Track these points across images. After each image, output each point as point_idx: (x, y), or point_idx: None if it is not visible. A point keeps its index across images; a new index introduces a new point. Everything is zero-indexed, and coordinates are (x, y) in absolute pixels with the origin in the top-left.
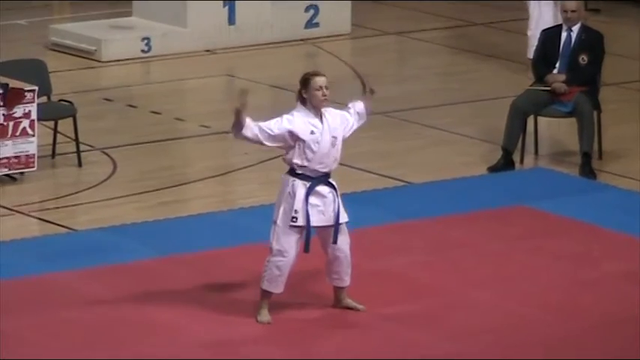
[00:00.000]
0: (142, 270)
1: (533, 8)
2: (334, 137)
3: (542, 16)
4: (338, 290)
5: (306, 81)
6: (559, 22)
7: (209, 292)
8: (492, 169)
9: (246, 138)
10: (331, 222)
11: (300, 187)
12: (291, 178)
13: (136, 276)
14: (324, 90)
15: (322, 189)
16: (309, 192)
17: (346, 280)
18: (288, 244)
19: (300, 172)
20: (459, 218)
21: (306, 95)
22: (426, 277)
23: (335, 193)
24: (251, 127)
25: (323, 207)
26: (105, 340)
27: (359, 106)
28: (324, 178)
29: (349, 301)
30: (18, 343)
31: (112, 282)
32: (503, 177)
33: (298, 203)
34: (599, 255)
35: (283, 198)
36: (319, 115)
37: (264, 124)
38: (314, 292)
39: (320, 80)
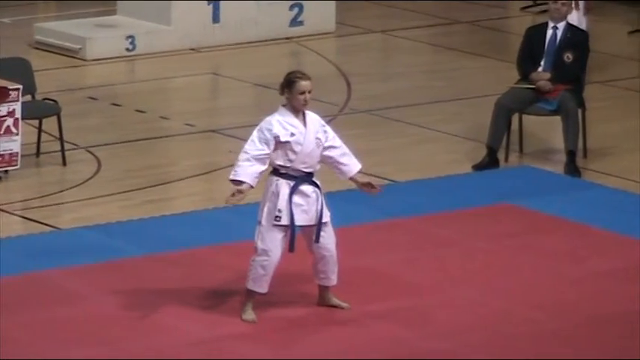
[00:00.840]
0: (127, 268)
1: None
2: (318, 138)
3: None
4: (323, 289)
5: (290, 83)
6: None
7: (194, 290)
8: (477, 168)
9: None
10: (314, 221)
11: (284, 186)
12: (275, 178)
13: (120, 274)
14: (307, 95)
15: (306, 188)
16: (292, 191)
17: (333, 279)
18: (272, 243)
19: (283, 171)
20: (445, 216)
21: (289, 97)
22: (412, 275)
23: (318, 192)
24: (253, 175)
25: (307, 206)
26: (90, 338)
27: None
28: (307, 178)
29: (334, 300)
30: (3, 341)
31: (97, 280)
32: (488, 175)
33: (282, 202)
34: (585, 252)
35: (267, 197)
36: (300, 116)
37: (254, 152)
38: (299, 291)
39: (304, 85)
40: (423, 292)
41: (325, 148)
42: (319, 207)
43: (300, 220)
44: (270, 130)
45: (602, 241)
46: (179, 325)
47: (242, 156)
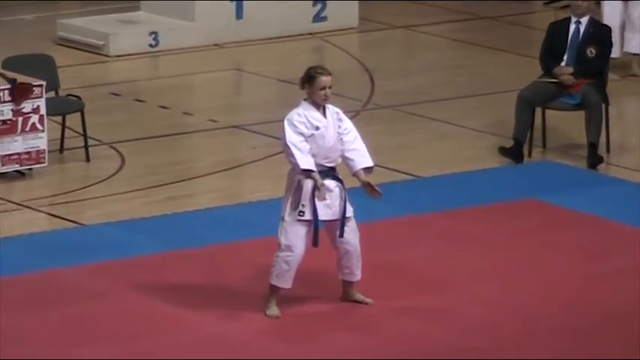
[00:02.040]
0: (150, 264)
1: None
2: (338, 132)
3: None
4: (347, 284)
5: (311, 78)
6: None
7: (217, 286)
8: (503, 152)
9: None
10: (337, 216)
11: (307, 181)
12: (298, 174)
13: (144, 270)
14: (327, 90)
15: (329, 183)
16: (315, 186)
17: (357, 275)
18: (296, 239)
19: None
20: (468, 212)
21: (309, 92)
22: (435, 271)
23: (341, 187)
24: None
25: (330, 201)
26: (113, 335)
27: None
28: (330, 172)
29: (358, 295)
30: (27, 337)
31: (119, 276)
32: (511, 170)
33: (305, 198)
34: (608, 248)
35: (290, 193)
36: (322, 110)
37: (298, 142)
38: (323, 286)
39: (325, 80)
40: (445, 288)
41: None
42: (342, 202)
43: (323, 214)
44: (299, 122)
45: (625, 237)
46: (201, 321)
47: (294, 149)
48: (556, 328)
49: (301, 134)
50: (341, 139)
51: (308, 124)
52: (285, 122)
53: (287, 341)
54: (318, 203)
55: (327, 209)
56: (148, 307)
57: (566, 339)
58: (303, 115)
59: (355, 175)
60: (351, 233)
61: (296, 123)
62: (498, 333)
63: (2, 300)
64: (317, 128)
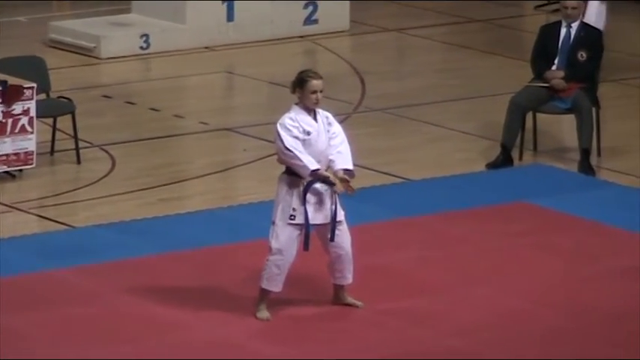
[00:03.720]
0: (142, 266)
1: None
2: (329, 137)
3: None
4: (339, 288)
5: (302, 82)
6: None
7: (209, 288)
8: (491, 166)
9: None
10: (328, 220)
11: (298, 185)
12: (289, 177)
13: (135, 273)
14: (319, 94)
15: (319, 186)
16: (306, 190)
17: (349, 278)
18: (287, 242)
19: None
20: (459, 215)
21: (300, 95)
22: (425, 274)
23: (332, 191)
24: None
25: (320, 205)
26: (104, 337)
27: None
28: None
29: (349, 299)
30: (18, 340)
31: (111, 279)
32: (502, 173)
33: (296, 201)
34: (599, 251)
35: (281, 197)
36: (312, 115)
37: (297, 145)
38: (313, 289)
39: (316, 84)
40: (436, 291)
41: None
42: (333, 205)
43: (314, 218)
44: (292, 126)
45: (616, 240)
46: (193, 323)
47: (296, 152)
48: (547, 331)
49: (296, 138)
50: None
51: (300, 129)
52: (279, 127)
53: (278, 343)
54: (309, 207)
55: (318, 213)
56: (139, 309)
57: (558, 341)
58: (295, 120)
59: (334, 172)
60: (343, 237)
61: (290, 127)
62: (490, 335)
63: None
64: (308, 133)
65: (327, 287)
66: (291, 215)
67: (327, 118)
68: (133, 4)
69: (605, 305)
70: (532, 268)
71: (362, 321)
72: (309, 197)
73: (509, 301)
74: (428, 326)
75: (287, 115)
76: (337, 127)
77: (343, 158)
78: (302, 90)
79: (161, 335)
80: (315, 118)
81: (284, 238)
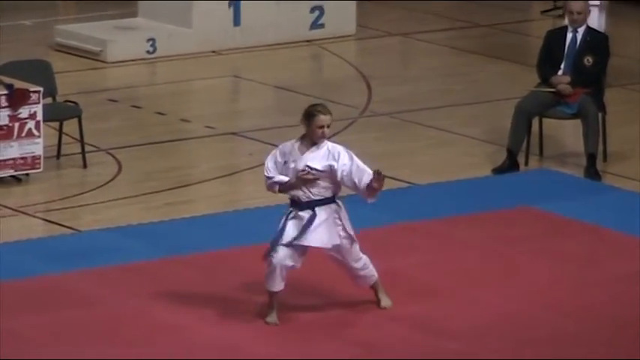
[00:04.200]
0: (147, 271)
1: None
2: (307, 166)
3: None
4: (371, 288)
5: (310, 115)
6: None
7: (214, 292)
8: (497, 171)
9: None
10: (330, 244)
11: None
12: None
13: (141, 277)
14: (325, 129)
15: (303, 214)
16: (287, 216)
17: (371, 278)
18: (282, 249)
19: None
20: (464, 219)
21: (307, 128)
22: (430, 278)
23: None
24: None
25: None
26: (110, 341)
27: (363, 179)
28: (308, 204)
29: (379, 294)
30: (23, 343)
31: (117, 282)
32: (507, 178)
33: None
34: (604, 256)
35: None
36: (314, 148)
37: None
38: (319, 294)
39: (323, 119)
40: (441, 295)
41: (342, 174)
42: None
43: (314, 241)
44: (274, 155)
45: (621, 245)
46: (197, 327)
47: (268, 173)
48: (551, 335)
49: (276, 163)
50: (342, 177)
51: (281, 156)
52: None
53: (284, 347)
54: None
55: (321, 237)
56: (144, 312)
57: (561, 345)
58: (282, 151)
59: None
60: (352, 256)
61: (275, 154)
62: (494, 339)
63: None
64: (284, 163)
65: (332, 292)
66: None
67: (338, 154)
68: (139, 7)
69: (609, 310)
70: (536, 273)
71: (367, 325)
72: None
73: (513, 305)
74: (432, 330)
75: (285, 143)
76: (343, 160)
77: (360, 175)
78: (309, 123)
79: (165, 339)
80: (312, 152)
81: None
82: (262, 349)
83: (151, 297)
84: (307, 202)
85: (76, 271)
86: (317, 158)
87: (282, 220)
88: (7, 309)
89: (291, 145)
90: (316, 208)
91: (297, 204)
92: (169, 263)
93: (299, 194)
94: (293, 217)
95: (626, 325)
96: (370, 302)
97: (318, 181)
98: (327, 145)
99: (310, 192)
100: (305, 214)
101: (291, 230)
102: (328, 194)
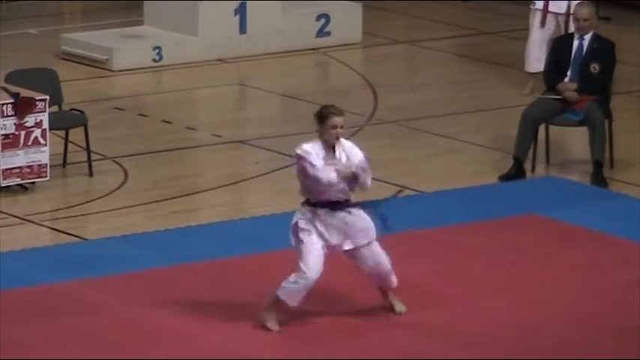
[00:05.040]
0: (154, 279)
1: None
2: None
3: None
4: (384, 292)
5: (323, 117)
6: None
7: (220, 301)
8: (504, 178)
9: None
10: (348, 246)
11: (315, 213)
12: (305, 208)
13: (147, 285)
14: (339, 130)
15: (326, 214)
16: (314, 216)
17: (390, 282)
18: (314, 262)
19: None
20: (471, 227)
21: (320, 131)
22: (437, 286)
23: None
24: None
25: (327, 231)
26: (116, 349)
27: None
28: (333, 206)
29: (390, 300)
30: (30, 351)
31: (123, 291)
32: (514, 186)
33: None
34: (611, 264)
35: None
36: (331, 149)
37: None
38: (325, 300)
39: (337, 120)
40: (447, 303)
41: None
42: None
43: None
44: (311, 149)
45: (628, 252)
46: (203, 335)
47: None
48: (558, 343)
49: (315, 161)
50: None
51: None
52: (300, 152)
53: (289, 355)
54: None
55: (337, 235)
56: (151, 321)
57: (568, 354)
58: (311, 149)
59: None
60: (375, 258)
61: (309, 150)
62: (501, 347)
63: (6, 313)
64: (312, 165)
65: (338, 298)
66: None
67: (347, 149)
68: (145, 16)
69: (616, 318)
70: (543, 281)
71: (373, 332)
72: (317, 223)
73: (519, 313)
74: (438, 338)
75: (304, 144)
76: (357, 155)
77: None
78: (323, 125)
79: (171, 347)
80: (333, 154)
81: (311, 259)
82: (268, 357)
83: (157, 305)
84: (336, 203)
85: (82, 279)
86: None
87: (306, 227)
88: (14, 317)
89: (307, 147)
90: (349, 209)
91: (323, 206)
92: (175, 271)
93: (330, 195)
94: (321, 221)
95: (632, 333)
96: (376, 308)
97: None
98: (340, 145)
99: (341, 192)
100: (338, 216)
101: (325, 234)
102: (348, 195)
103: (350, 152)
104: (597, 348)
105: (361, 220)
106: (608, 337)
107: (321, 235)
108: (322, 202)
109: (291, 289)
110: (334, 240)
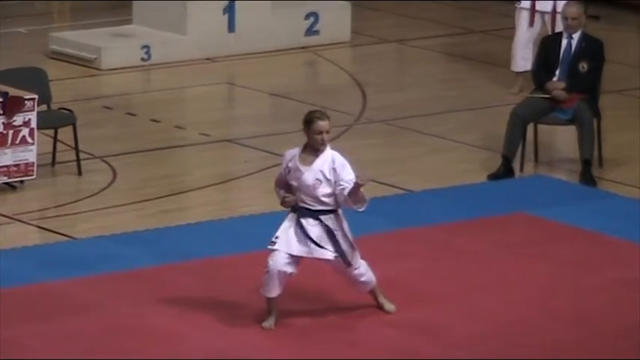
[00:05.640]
0: (143, 278)
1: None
2: (318, 180)
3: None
4: (370, 292)
5: (308, 122)
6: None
7: (210, 300)
8: (492, 177)
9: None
10: (312, 255)
11: (290, 216)
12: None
13: (136, 284)
14: (324, 135)
15: (306, 222)
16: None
17: (369, 283)
18: (278, 255)
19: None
20: (460, 225)
21: (307, 135)
22: (427, 285)
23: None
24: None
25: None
26: (105, 348)
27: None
28: (311, 213)
29: (380, 299)
30: (18, 351)
31: (112, 290)
32: (503, 184)
33: (281, 229)
34: (601, 262)
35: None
36: (315, 154)
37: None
38: (318, 301)
39: (322, 125)
40: (438, 302)
41: (338, 187)
42: (320, 243)
43: (296, 250)
44: (283, 159)
45: (618, 251)
46: (193, 334)
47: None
48: (549, 341)
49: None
50: (339, 186)
51: (285, 163)
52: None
53: (279, 355)
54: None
55: (302, 246)
56: (140, 320)
57: (560, 352)
58: (288, 155)
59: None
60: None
61: (287, 155)
62: (491, 347)
63: None
64: (289, 171)
65: (329, 298)
66: (272, 241)
67: (332, 161)
68: (134, 15)
69: (607, 316)
70: (533, 279)
71: (365, 332)
72: (294, 229)
73: (510, 311)
74: (430, 337)
75: (290, 150)
76: (346, 175)
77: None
78: (309, 130)
79: (161, 347)
80: (315, 159)
81: (278, 253)
82: (259, 356)
83: (147, 304)
84: (312, 210)
85: (71, 278)
86: (316, 169)
87: (285, 226)
88: (2, 316)
89: (297, 150)
90: (321, 217)
91: (300, 211)
92: (165, 270)
93: (307, 202)
94: (297, 225)
95: (624, 332)
96: (367, 307)
97: (321, 190)
98: (324, 154)
99: (315, 200)
100: (310, 223)
101: (294, 239)
102: (332, 203)
103: (340, 170)
104: (590, 346)
105: (324, 240)
106: (599, 335)
107: (295, 236)
108: (299, 206)
109: (265, 281)
110: (295, 248)
